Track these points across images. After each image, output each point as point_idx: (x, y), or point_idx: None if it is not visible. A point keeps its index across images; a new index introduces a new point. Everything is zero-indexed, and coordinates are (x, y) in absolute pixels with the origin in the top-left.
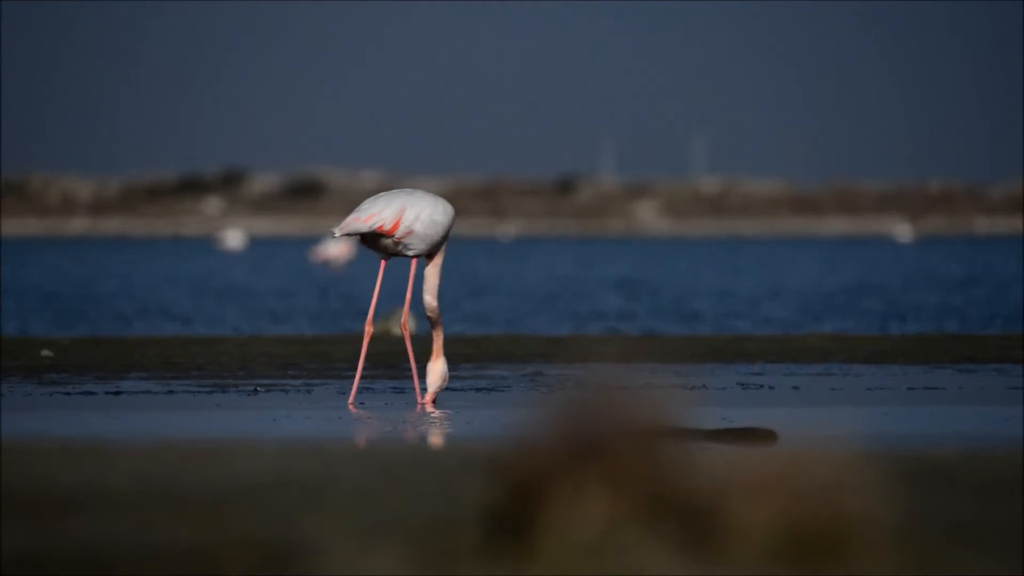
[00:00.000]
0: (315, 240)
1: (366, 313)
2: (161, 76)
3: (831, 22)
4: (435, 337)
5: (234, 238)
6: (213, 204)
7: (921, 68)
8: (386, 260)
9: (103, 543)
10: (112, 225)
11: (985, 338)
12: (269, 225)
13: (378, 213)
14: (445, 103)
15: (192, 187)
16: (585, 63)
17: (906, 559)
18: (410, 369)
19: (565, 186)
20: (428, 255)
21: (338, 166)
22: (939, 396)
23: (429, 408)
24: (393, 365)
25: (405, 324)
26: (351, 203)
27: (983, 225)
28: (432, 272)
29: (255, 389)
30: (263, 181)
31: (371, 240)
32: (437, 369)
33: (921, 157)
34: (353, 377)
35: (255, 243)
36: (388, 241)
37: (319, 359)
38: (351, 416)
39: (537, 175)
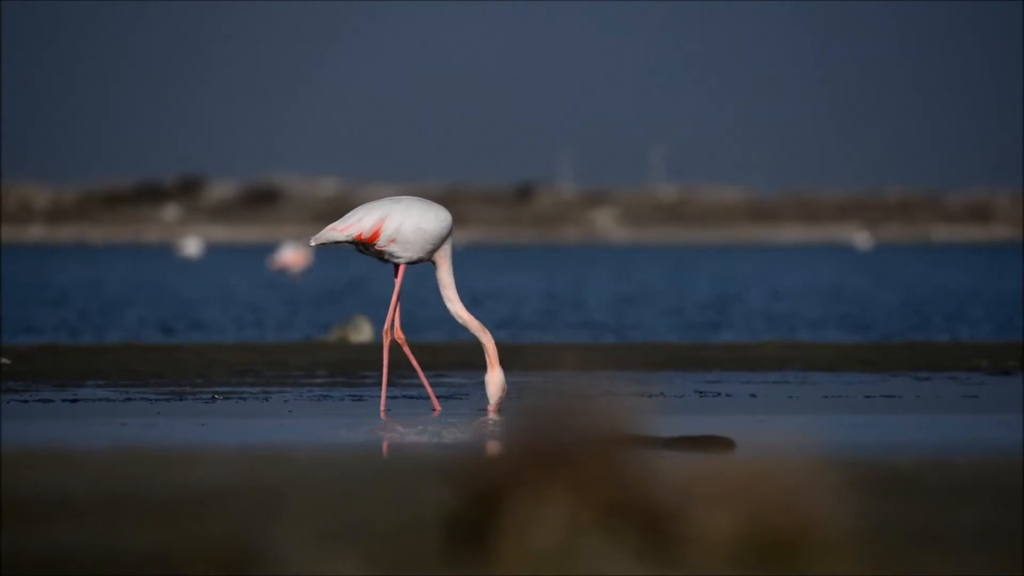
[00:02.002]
0: (273, 247)
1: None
2: (118, 84)
3: (788, 31)
4: (484, 346)
5: (192, 245)
6: (171, 211)
7: (879, 76)
8: (401, 267)
9: (62, 550)
10: (70, 232)
11: (941, 346)
12: (227, 232)
13: (356, 222)
14: (403, 111)
15: (150, 194)
16: (543, 71)
17: (865, 566)
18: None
19: (523, 194)
20: (435, 263)
21: (296, 174)
22: (896, 404)
23: (493, 416)
24: (350, 373)
25: (388, 331)
26: (309, 211)
27: (941, 233)
28: (444, 280)
29: (213, 396)
30: (221, 189)
31: (364, 249)
32: (493, 379)
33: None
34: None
35: (213, 250)
36: (372, 249)
37: (277, 367)
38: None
39: (495, 183)
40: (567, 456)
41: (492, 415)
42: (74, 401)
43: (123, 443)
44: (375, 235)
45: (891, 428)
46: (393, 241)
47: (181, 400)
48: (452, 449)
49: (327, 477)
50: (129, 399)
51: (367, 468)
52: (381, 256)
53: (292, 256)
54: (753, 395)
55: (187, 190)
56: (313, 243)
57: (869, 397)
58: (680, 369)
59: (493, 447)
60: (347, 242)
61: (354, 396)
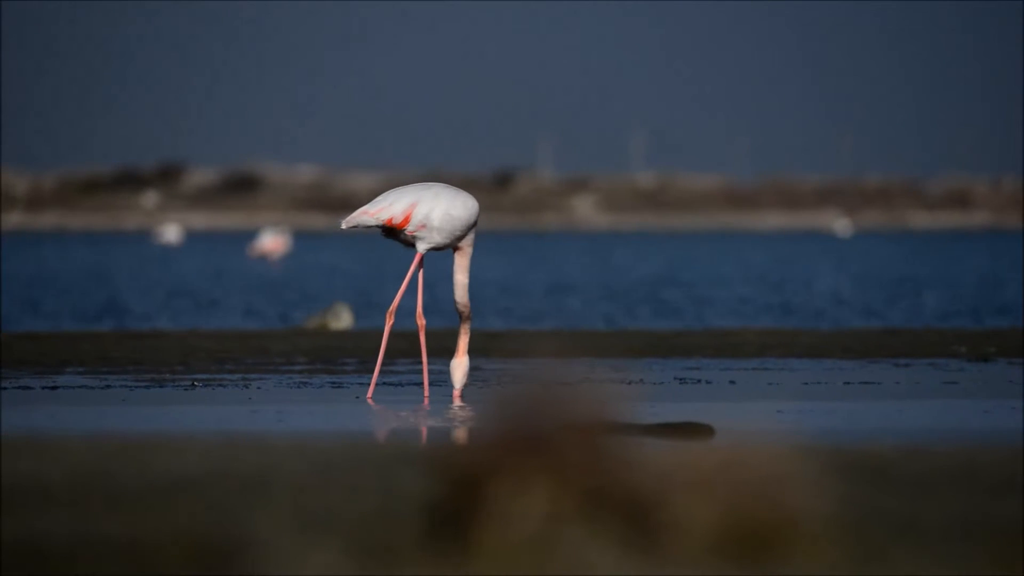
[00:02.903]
0: (252, 234)
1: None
2: (98, 71)
3: (767, 18)
4: (462, 333)
5: (171, 232)
6: (150, 198)
7: (857, 63)
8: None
9: (40, 538)
10: (49, 220)
11: (921, 332)
12: (206, 219)
13: (388, 207)
14: (382, 97)
15: (129, 181)
16: (523, 58)
17: (845, 553)
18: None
19: (503, 180)
20: (455, 250)
21: (275, 160)
22: (875, 391)
23: (457, 401)
24: (331, 360)
25: (420, 315)
26: (288, 198)
27: (920, 220)
28: (460, 269)
29: (193, 384)
30: (200, 175)
31: (390, 233)
32: (460, 365)
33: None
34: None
35: (192, 237)
36: (402, 235)
37: (256, 354)
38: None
39: (475, 169)
40: (547, 444)
41: (456, 399)
42: (53, 388)
43: (101, 431)
44: (406, 220)
45: (870, 415)
46: (423, 227)
47: (161, 387)
48: (431, 436)
49: (306, 464)
50: (108, 386)
51: (346, 455)
52: (408, 241)
53: (271, 243)
54: (733, 382)
55: (166, 177)
56: (345, 226)
57: (849, 384)
58: (660, 356)
59: (473, 435)
60: (377, 226)
61: (334, 383)
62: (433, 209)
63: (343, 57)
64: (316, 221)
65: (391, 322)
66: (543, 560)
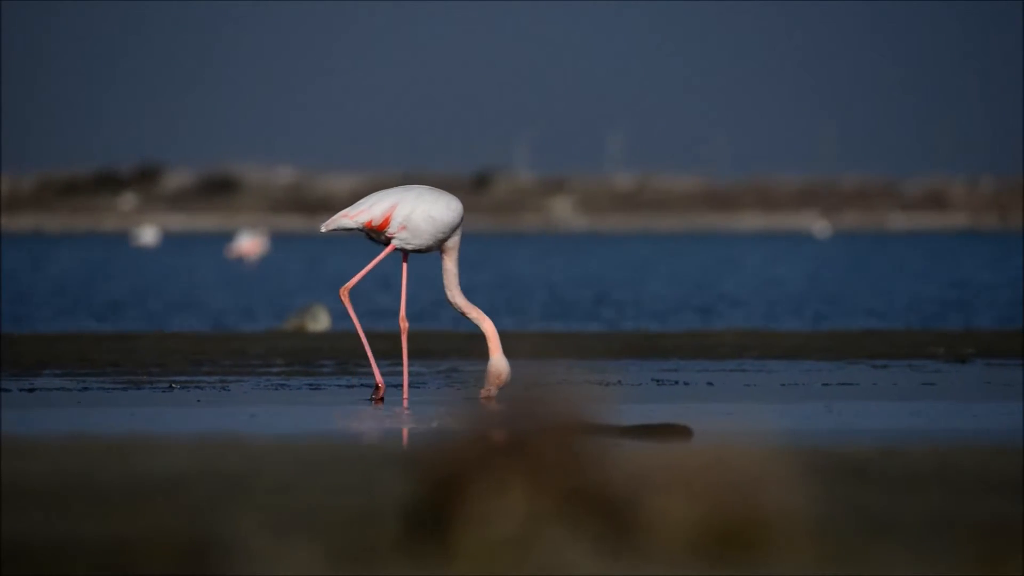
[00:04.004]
0: (230, 236)
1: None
2: (75, 71)
3: (745, 18)
4: (485, 332)
5: (149, 234)
6: (128, 200)
7: (836, 63)
8: (406, 257)
9: (20, 538)
10: (27, 221)
11: (898, 333)
12: (184, 221)
13: (368, 209)
14: (360, 99)
15: (107, 183)
16: (500, 58)
17: (823, 553)
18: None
19: (480, 181)
20: (442, 253)
21: (253, 163)
22: (853, 392)
23: (484, 402)
24: (308, 361)
25: (403, 318)
26: (266, 199)
27: (898, 220)
28: (449, 269)
29: (170, 385)
30: (178, 177)
31: (373, 237)
32: (491, 366)
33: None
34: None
35: (170, 239)
36: (384, 237)
37: (234, 356)
38: (415, 409)
39: (453, 170)
40: (525, 444)
41: (483, 399)
42: (31, 390)
43: (79, 432)
44: (386, 222)
45: (848, 416)
46: (404, 228)
47: (138, 389)
48: (410, 437)
49: (284, 466)
50: (86, 388)
51: (326, 456)
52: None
53: (249, 244)
54: (711, 383)
55: (144, 179)
56: (325, 229)
57: (827, 385)
58: (637, 357)
59: (451, 435)
60: (358, 229)
61: (312, 385)
62: (414, 211)
63: (320, 59)
64: (294, 223)
65: (405, 327)
66: (522, 561)
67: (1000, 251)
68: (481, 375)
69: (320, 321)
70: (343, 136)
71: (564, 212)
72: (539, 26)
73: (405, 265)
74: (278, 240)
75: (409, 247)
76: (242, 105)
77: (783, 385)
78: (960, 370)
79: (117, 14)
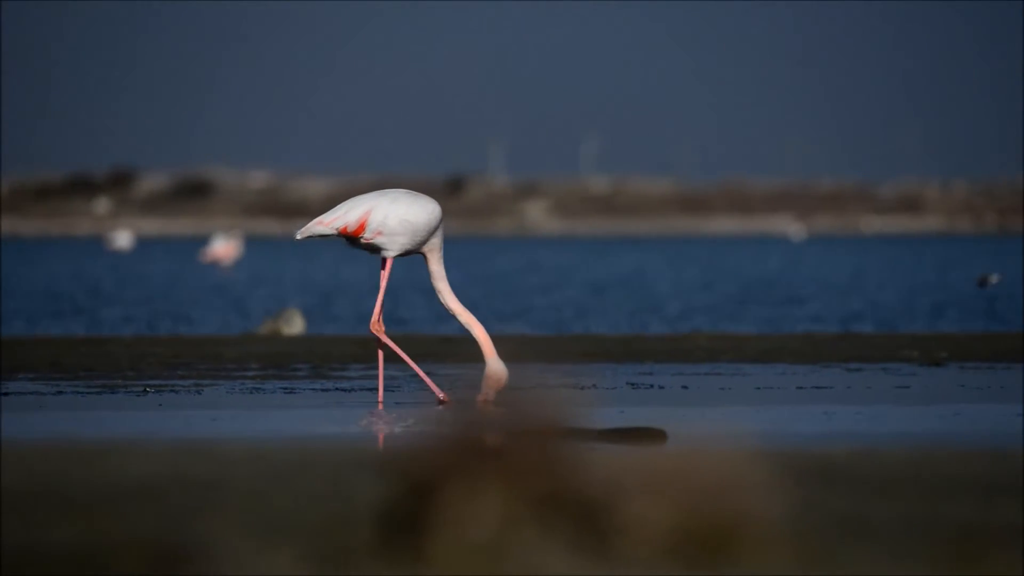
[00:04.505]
0: (204, 240)
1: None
2: (49, 77)
3: (719, 21)
4: (476, 337)
5: (123, 238)
6: (102, 204)
7: (809, 66)
8: (389, 260)
9: None
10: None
11: (872, 337)
12: (158, 225)
13: (343, 215)
14: (334, 102)
15: (82, 187)
16: (474, 62)
17: (798, 556)
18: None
19: (455, 186)
20: (425, 257)
21: (227, 166)
22: (827, 395)
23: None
24: (283, 365)
25: (375, 324)
26: (240, 203)
27: (872, 224)
28: (435, 271)
29: (144, 390)
30: (152, 181)
31: (352, 242)
32: (488, 370)
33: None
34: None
35: (144, 243)
36: (361, 242)
37: (209, 360)
38: (390, 412)
39: (427, 175)
40: (500, 448)
41: (481, 404)
42: (4, 395)
43: (53, 437)
44: (361, 227)
45: (823, 419)
46: (380, 234)
47: (113, 394)
48: (384, 441)
49: (259, 469)
50: (60, 392)
51: (300, 460)
52: (371, 249)
53: (223, 248)
54: (685, 387)
55: (118, 183)
56: (300, 236)
57: (801, 388)
58: (612, 361)
59: (426, 439)
60: (335, 235)
61: (286, 389)
62: (388, 215)
63: (294, 63)
64: (268, 227)
65: (382, 332)
66: (496, 565)
67: (974, 254)
68: (456, 379)
69: (294, 325)
70: (317, 140)
71: (538, 216)
72: (514, 31)
73: (387, 271)
74: (252, 244)
75: (388, 252)
76: (216, 109)
77: (757, 388)
78: (934, 373)
79: (90, 19)
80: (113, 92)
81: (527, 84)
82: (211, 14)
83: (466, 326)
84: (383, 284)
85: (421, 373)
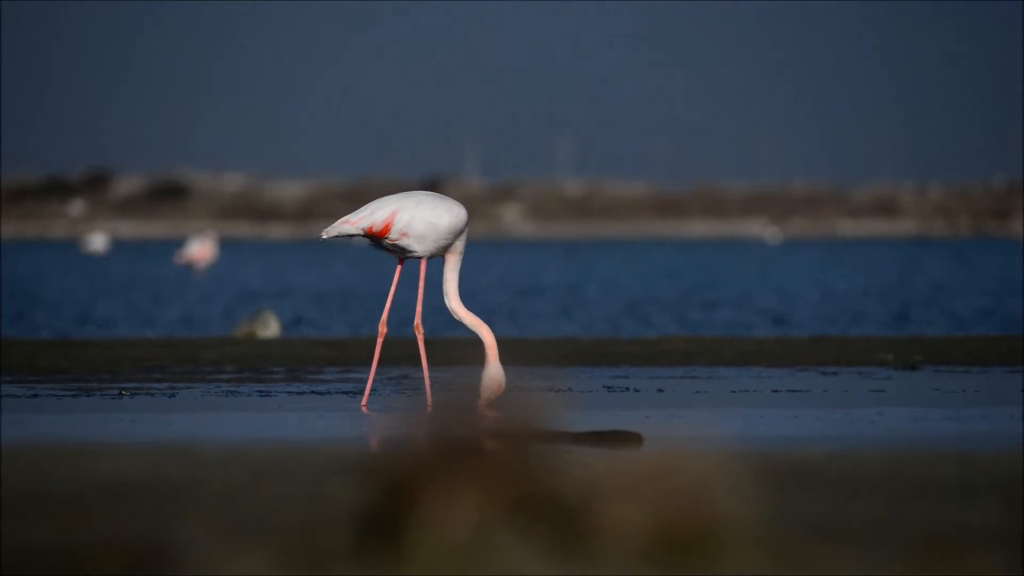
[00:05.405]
0: (180, 242)
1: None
2: (23, 77)
3: (694, 23)
4: (483, 340)
5: (98, 240)
6: (77, 206)
7: (784, 69)
8: (401, 263)
9: None
10: None
11: (847, 340)
12: (134, 227)
13: (369, 216)
14: (310, 105)
15: (56, 190)
16: (450, 65)
17: (773, 558)
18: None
19: (430, 188)
20: (445, 258)
21: (202, 168)
22: (803, 398)
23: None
24: (258, 368)
25: (418, 326)
26: (215, 206)
27: (847, 227)
28: (447, 276)
29: (120, 392)
30: (127, 183)
31: (377, 243)
32: (488, 375)
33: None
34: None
35: (119, 246)
36: (386, 243)
37: (184, 362)
38: (365, 416)
39: (402, 177)
40: (475, 451)
41: (481, 409)
42: None
43: (27, 439)
44: (386, 228)
45: (798, 422)
46: (405, 235)
47: (88, 396)
48: (361, 444)
49: (236, 472)
50: (35, 395)
51: (277, 463)
52: (395, 250)
53: (198, 251)
54: (660, 390)
55: (93, 185)
56: (326, 235)
57: (776, 392)
58: (588, 364)
59: (402, 443)
60: (361, 235)
61: (262, 392)
62: (414, 217)
63: (269, 65)
64: (243, 229)
65: (420, 334)
66: (472, 567)
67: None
68: (434, 382)
69: (270, 328)
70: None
71: (513, 219)
72: (488, 33)
73: (398, 273)
74: (228, 246)
75: (412, 254)
76: (191, 111)
77: (733, 392)
78: (909, 377)
79: (65, 20)
80: (88, 94)
81: (503, 87)
82: (188, 16)
83: (473, 328)
84: (420, 286)
85: (427, 381)
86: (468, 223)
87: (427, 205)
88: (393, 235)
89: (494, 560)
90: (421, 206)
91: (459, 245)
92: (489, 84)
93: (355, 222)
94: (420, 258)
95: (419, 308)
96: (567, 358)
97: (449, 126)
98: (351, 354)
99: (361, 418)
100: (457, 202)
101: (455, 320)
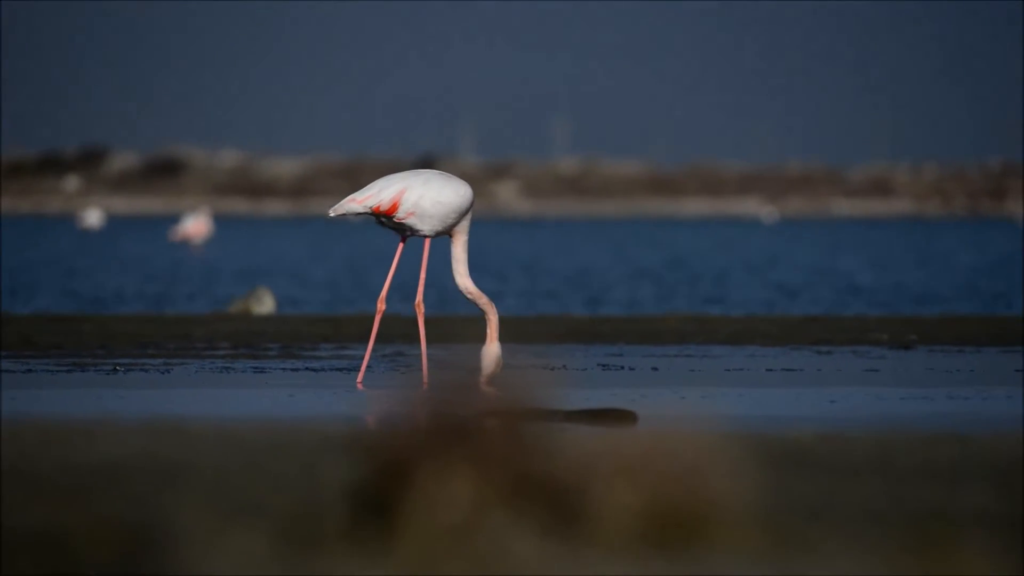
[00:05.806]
0: (175, 218)
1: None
2: (18, 54)
3: (687, 5)
4: (488, 319)
5: (93, 216)
6: (72, 182)
7: (780, 48)
8: (404, 241)
9: None
10: None
11: (842, 319)
12: (129, 203)
13: (376, 194)
14: (305, 82)
15: (51, 165)
16: (445, 42)
17: (767, 538)
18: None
19: (425, 166)
20: (451, 236)
21: (197, 145)
22: (797, 378)
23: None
24: (253, 345)
25: (419, 304)
26: (210, 182)
27: (842, 207)
28: (456, 254)
29: (114, 368)
30: (122, 159)
31: (383, 221)
32: (489, 352)
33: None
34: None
35: (115, 221)
36: (392, 222)
37: (179, 339)
38: (360, 393)
39: (398, 154)
40: (469, 429)
41: (482, 385)
42: None
43: (20, 415)
44: (394, 207)
45: (792, 401)
46: (412, 214)
47: (82, 372)
48: (354, 423)
49: (228, 451)
50: (30, 371)
51: (270, 442)
52: (402, 229)
53: (194, 227)
54: (655, 368)
55: (88, 161)
56: (332, 214)
57: (771, 370)
58: (582, 342)
59: (396, 421)
60: (367, 213)
61: (257, 368)
62: (422, 196)
63: (265, 42)
64: (238, 205)
65: (421, 312)
66: (466, 547)
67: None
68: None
69: (265, 304)
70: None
71: (509, 197)
72: (483, 11)
73: (400, 251)
74: (223, 223)
75: (419, 232)
76: (187, 88)
77: (727, 370)
78: (904, 356)
79: None
80: (84, 70)
81: (498, 65)
82: None
83: (483, 307)
84: (423, 265)
85: (425, 360)
86: (473, 202)
87: (435, 184)
88: (400, 214)
89: (487, 540)
90: (429, 185)
91: (464, 224)
92: (484, 62)
93: (362, 200)
94: (425, 237)
95: (421, 286)
96: (561, 336)
97: (445, 104)
98: (345, 331)
99: (357, 395)
100: (463, 181)
101: (466, 298)
